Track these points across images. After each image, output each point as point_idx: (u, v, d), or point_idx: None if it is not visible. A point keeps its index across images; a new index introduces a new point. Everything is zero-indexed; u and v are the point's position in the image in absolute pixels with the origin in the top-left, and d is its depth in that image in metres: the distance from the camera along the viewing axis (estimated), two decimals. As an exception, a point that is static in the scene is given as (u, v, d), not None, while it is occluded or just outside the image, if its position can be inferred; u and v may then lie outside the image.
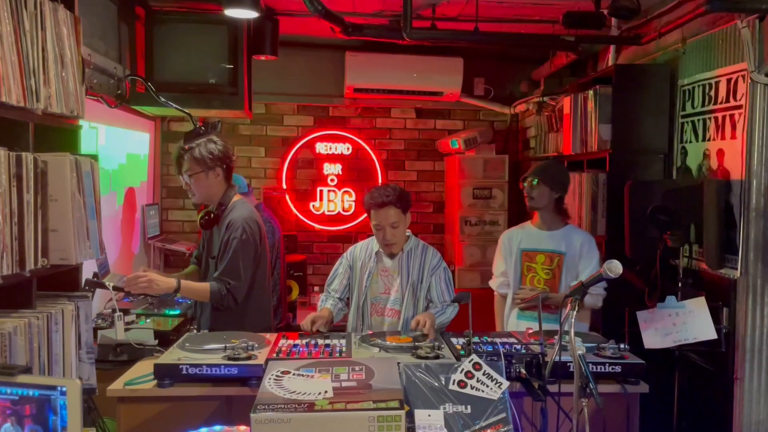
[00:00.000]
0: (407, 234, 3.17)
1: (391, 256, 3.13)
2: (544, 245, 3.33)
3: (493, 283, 3.52)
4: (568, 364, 2.26)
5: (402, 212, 3.06)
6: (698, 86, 3.42)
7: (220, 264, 3.00)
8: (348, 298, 3.24)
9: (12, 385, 1.41)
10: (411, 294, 3.08)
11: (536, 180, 3.31)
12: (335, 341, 2.74)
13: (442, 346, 2.66)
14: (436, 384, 2.11)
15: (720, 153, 3.24)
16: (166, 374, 2.39)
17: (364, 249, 3.23)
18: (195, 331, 2.87)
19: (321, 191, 5.77)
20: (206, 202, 3.16)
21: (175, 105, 3.39)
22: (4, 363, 1.66)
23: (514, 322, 3.34)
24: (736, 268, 3.04)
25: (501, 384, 2.11)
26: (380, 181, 5.74)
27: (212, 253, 3.12)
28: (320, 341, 2.73)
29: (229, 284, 2.96)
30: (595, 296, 3.25)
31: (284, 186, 5.70)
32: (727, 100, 3.17)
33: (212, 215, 3.10)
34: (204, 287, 2.99)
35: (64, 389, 1.40)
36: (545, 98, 4.92)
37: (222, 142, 3.11)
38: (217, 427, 1.93)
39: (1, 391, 1.41)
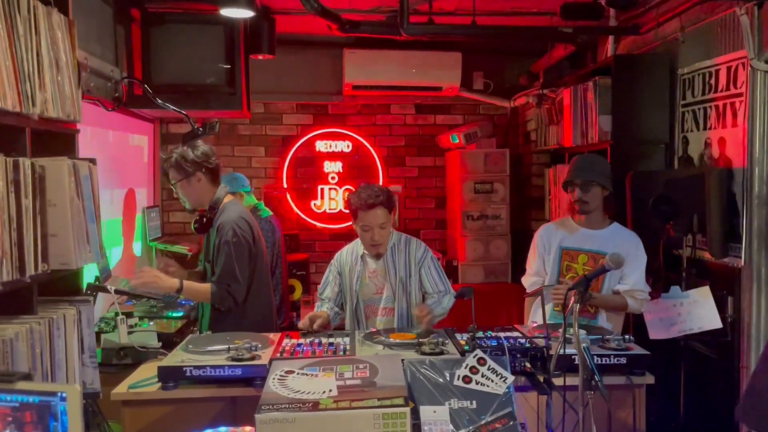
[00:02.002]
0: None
1: (377, 256, 3.10)
2: (587, 245, 3.10)
3: (525, 281, 3.30)
4: (573, 357, 2.24)
5: (389, 212, 3.05)
6: (698, 75, 3.40)
7: (216, 268, 3.00)
8: (343, 304, 3.21)
9: (12, 392, 1.40)
10: (401, 290, 3.06)
11: (589, 182, 3.07)
12: (339, 339, 2.73)
13: (446, 341, 2.65)
14: (441, 380, 2.10)
15: (721, 141, 3.22)
16: (170, 376, 2.39)
17: (350, 253, 3.19)
18: (198, 332, 2.87)
19: (322, 189, 5.75)
20: (199, 207, 3.14)
21: (172, 107, 3.38)
22: (5, 370, 1.65)
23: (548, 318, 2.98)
24: (740, 257, 3.03)
25: (506, 378, 2.10)
26: (381, 178, 5.72)
27: (209, 256, 3.11)
28: (324, 340, 2.72)
29: (229, 286, 2.96)
30: (640, 300, 3.04)
31: (285, 185, 5.68)
32: (728, 88, 3.15)
33: (204, 219, 3.09)
34: (205, 288, 2.99)
35: (64, 395, 1.40)
36: (545, 91, 4.90)
37: (203, 145, 3.08)
38: (222, 428, 1.93)
39: (1, 399, 1.41)
